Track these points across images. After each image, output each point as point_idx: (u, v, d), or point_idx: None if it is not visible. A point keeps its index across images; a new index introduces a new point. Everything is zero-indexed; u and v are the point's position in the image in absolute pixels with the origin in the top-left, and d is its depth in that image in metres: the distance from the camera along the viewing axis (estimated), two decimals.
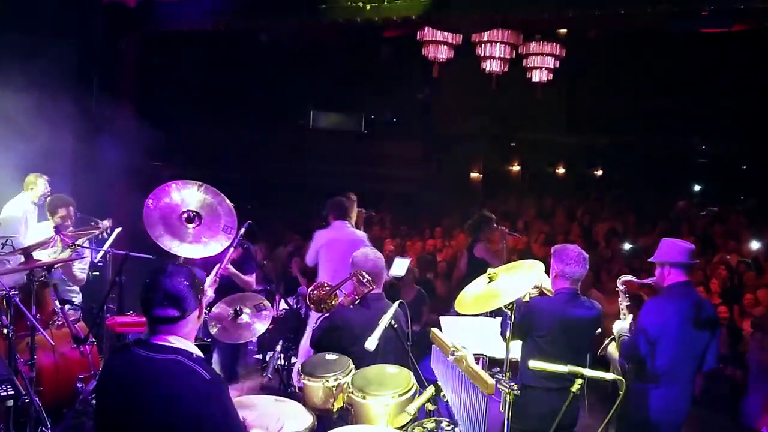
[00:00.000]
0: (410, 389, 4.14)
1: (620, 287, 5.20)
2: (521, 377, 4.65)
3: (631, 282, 5.37)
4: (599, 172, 20.80)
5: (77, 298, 7.12)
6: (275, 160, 16.82)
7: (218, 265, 4.92)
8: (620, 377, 4.17)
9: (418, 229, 14.18)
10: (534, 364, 3.84)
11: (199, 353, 2.82)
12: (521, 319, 4.57)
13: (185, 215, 4.71)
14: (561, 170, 20.97)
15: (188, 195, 4.77)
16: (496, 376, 3.84)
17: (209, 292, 5.59)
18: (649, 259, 4.96)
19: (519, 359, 4.77)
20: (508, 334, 3.99)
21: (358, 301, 4.75)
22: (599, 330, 4.84)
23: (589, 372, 3.75)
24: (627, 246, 11.59)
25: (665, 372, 4.65)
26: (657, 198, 16.09)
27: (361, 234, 7.24)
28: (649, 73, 15.39)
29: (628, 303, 5.18)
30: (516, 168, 21.14)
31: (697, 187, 19.76)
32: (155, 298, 2.78)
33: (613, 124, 17.76)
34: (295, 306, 5.34)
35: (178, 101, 12.07)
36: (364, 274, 4.73)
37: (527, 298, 4.90)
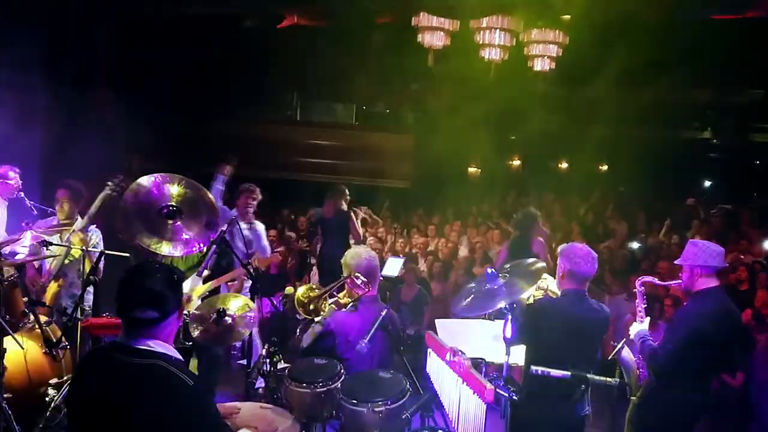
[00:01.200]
0: (404, 395, 4.14)
1: (639, 288, 5.20)
2: (525, 384, 4.65)
3: (652, 283, 5.37)
4: (604, 168, 20.82)
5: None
6: (260, 153, 16.77)
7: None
8: (627, 383, 4.19)
9: (410, 226, 14.14)
10: (536, 368, 3.84)
11: (180, 357, 2.81)
12: (526, 322, 4.57)
13: (165, 211, 4.69)
14: (564, 165, 20.98)
15: (168, 189, 4.75)
16: (496, 381, 3.84)
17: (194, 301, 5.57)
18: (676, 261, 4.95)
19: (522, 365, 4.77)
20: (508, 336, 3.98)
21: (351, 305, 4.74)
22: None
23: (594, 377, 3.75)
24: (634, 245, 11.60)
25: (696, 378, 4.67)
26: (665, 195, 16.11)
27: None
28: (658, 63, 15.39)
29: (646, 305, 5.18)
30: (516, 163, 21.15)
31: (707, 184, 19.82)
32: (133, 299, 2.76)
33: (619, 116, 17.75)
34: (281, 307, 5.32)
35: (158, 92, 12.01)
36: (358, 275, 4.71)
37: (531, 300, 4.89)
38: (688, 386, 4.67)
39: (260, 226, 8.10)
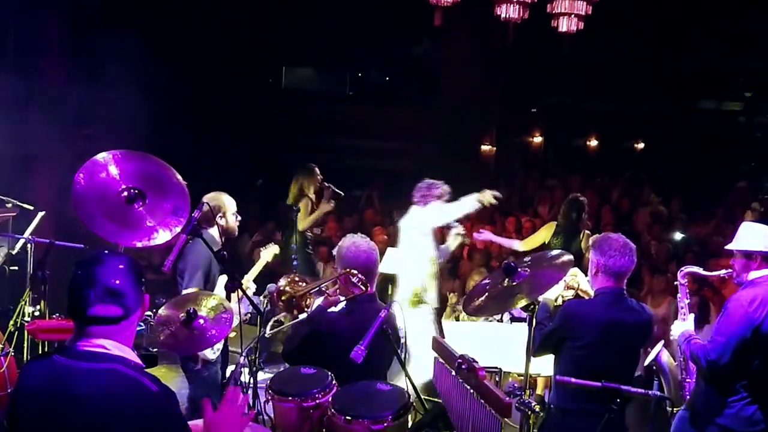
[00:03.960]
0: (406, 411, 4.12)
1: (681, 281, 5.20)
2: (554, 398, 4.64)
3: (697, 275, 5.36)
4: (640, 146, 20.82)
5: None
6: (237, 128, 16.71)
7: None
8: (668, 395, 4.17)
9: None
10: (561, 379, 3.82)
11: (140, 362, 2.80)
12: (554, 327, 4.56)
13: (125, 194, 4.66)
14: (593, 143, 20.97)
15: (129, 169, 4.71)
16: (515, 394, 3.82)
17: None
18: (727, 247, 4.93)
19: (547, 376, 4.76)
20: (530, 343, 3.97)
21: (343, 302, 4.71)
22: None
23: (628, 388, 3.74)
24: (676, 236, 11.60)
25: (757, 380, 4.64)
26: (711, 178, 16.10)
27: None
28: (701, 26, 15.37)
29: (689, 300, 5.17)
30: (537, 139, 21.13)
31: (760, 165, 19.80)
32: (92, 294, 2.73)
33: (657, 86, 17.73)
34: (263, 308, 5.29)
35: (117, 56, 11.94)
36: (355, 272, 4.67)
37: (559, 301, 4.87)
38: (749, 390, 4.63)
39: None
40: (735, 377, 4.62)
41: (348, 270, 4.69)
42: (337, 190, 9.19)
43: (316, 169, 9.26)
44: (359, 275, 4.66)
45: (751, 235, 4.77)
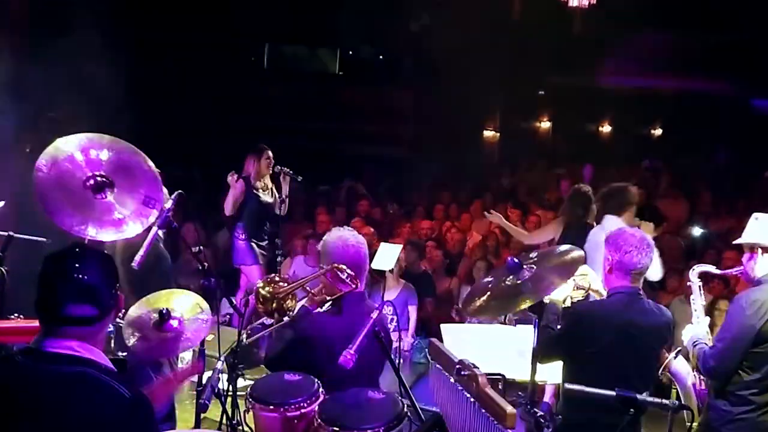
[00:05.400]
0: (400, 421, 4.12)
1: (694, 281, 5.20)
2: (563, 407, 4.65)
3: (709, 273, 5.36)
4: (658, 132, 20.83)
5: None
6: (216, 110, 16.68)
7: None
8: (688, 406, 4.17)
9: (411, 206, 14.14)
10: (571, 386, 3.82)
11: (112, 366, 2.80)
12: (563, 331, 4.55)
13: (92, 182, 4.64)
14: (606, 128, 20.98)
15: (96, 155, 4.70)
16: (519, 404, 3.83)
17: None
18: (735, 242, 4.94)
19: (554, 384, 4.76)
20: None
21: (329, 303, 4.71)
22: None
23: (644, 398, 3.74)
24: (697, 231, 11.61)
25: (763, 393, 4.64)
26: (737, 167, 16.10)
27: None
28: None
29: (704, 302, 5.17)
30: (545, 125, 21.14)
31: None
32: (64, 292, 2.76)
33: (677, 65, 17.70)
34: (242, 308, 5.30)
35: (83, 29, 11.90)
36: (343, 268, 4.67)
37: (568, 303, 4.87)
38: (764, 399, 4.64)
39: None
40: (744, 385, 4.63)
41: (335, 265, 4.68)
42: (292, 175, 9.13)
43: (267, 152, 9.18)
44: (348, 271, 4.65)
45: (754, 227, 4.78)
